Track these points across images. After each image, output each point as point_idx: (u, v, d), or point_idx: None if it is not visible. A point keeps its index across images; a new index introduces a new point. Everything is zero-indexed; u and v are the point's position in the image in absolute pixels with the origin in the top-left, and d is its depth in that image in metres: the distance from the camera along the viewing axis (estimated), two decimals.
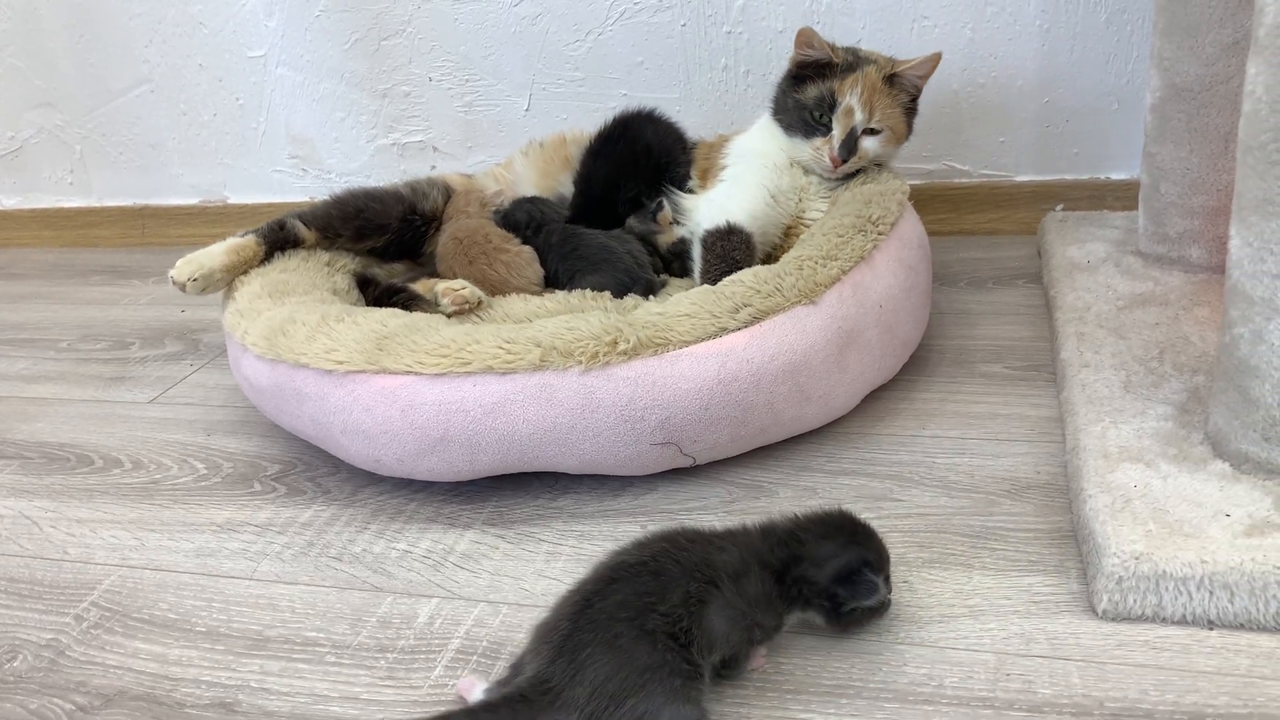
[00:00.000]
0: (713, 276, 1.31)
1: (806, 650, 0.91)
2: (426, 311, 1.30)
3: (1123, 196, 1.73)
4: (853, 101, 1.36)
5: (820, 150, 1.39)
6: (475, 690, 0.86)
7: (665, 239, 1.48)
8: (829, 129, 1.38)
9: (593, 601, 0.79)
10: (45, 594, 1.11)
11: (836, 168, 1.39)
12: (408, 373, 1.11)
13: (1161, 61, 1.35)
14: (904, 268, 1.28)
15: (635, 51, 1.86)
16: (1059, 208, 1.76)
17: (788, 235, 1.45)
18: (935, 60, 1.41)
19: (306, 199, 2.14)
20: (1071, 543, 1.01)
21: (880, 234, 1.26)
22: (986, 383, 1.32)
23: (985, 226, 1.79)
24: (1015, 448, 1.18)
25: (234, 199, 2.20)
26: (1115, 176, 1.75)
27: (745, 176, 1.46)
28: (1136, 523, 0.92)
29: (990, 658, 0.89)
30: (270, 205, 2.16)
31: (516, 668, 0.83)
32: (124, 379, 1.61)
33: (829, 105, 1.37)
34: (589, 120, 1.89)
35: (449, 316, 1.30)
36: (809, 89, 1.39)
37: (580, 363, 1.08)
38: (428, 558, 1.10)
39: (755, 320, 1.12)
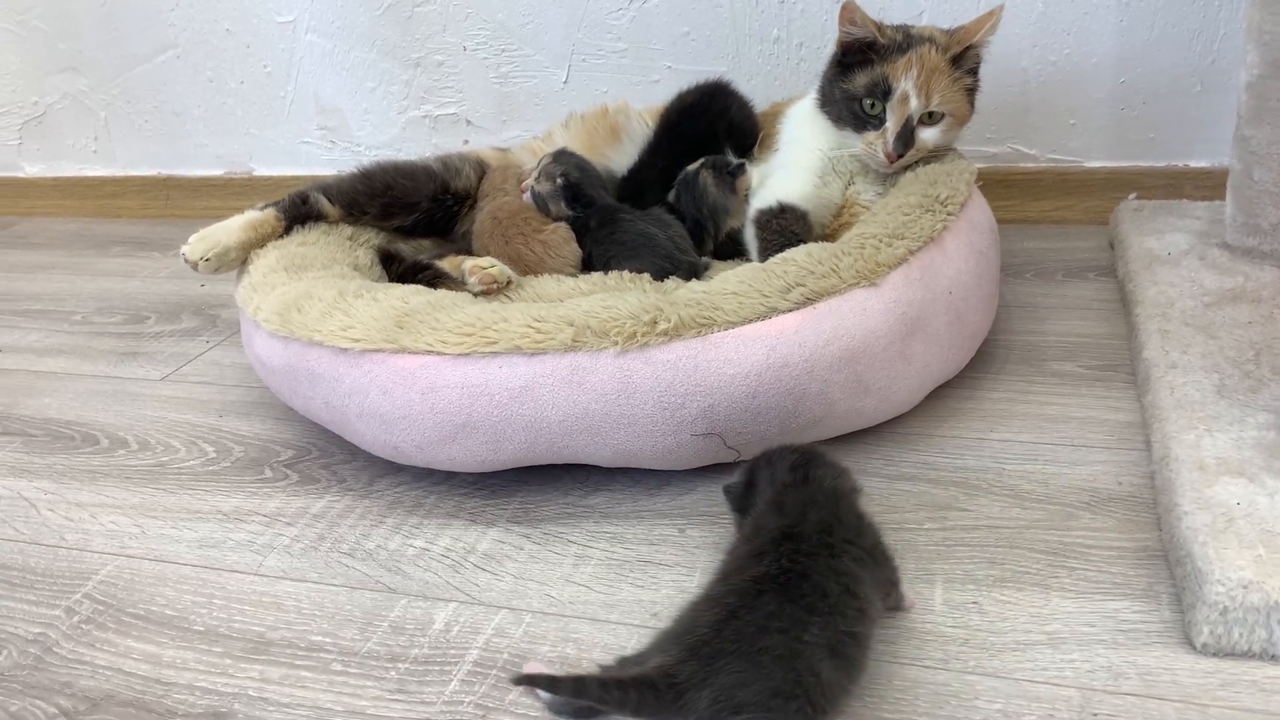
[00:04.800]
0: (773, 253, 1.21)
1: (867, 682, 0.81)
2: (453, 290, 1.21)
3: (1202, 185, 1.61)
4: (908, 87, 1.23)
5: (874, 145, 1.27)
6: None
7: (732, 220, 1.37)
8: (882, 120, 1.26)
9: (738, 614, 0.72)
10: (37, 583, 1.03)
11: (892, 164, 1.27)
12: (429, 352, 1.02)
13: (1261, 36, 1.23)
14: (974, 252, 1.17)
15: (681, 21, 1.75)
16: (1132, 196, 1.64)
17: (838, 218, 1.34)
18: (996, 17, 1.26)
19: (334, 171, 2.03)
20: (1161, 564, 0.91)
21: (950, 214, 1.16)
22: (1059, 382, 1.21)
23: (1052, 215, 1.68)
24: (1094, 455, 1.07)
25: (259, 171, 2.12)
26: (1195, 164, 1.62)
27: (793, 158, 1.35)
28: (1243, 545, 0.82)
29: (1074, 694, 0.78)
30: (296, 178, 2.07)
31: (631, 662, 0.75)
32: (137, 354, 1.53)
33: (882, 93, 1.24)
34: (630, 94, 1.80)
35: (476, 296, 1.21)
36: (857, 76, 1.26)
37: (616, 344, 0.98)
38: (446, 557, 1.01)
39: (808, 301, 1.02)
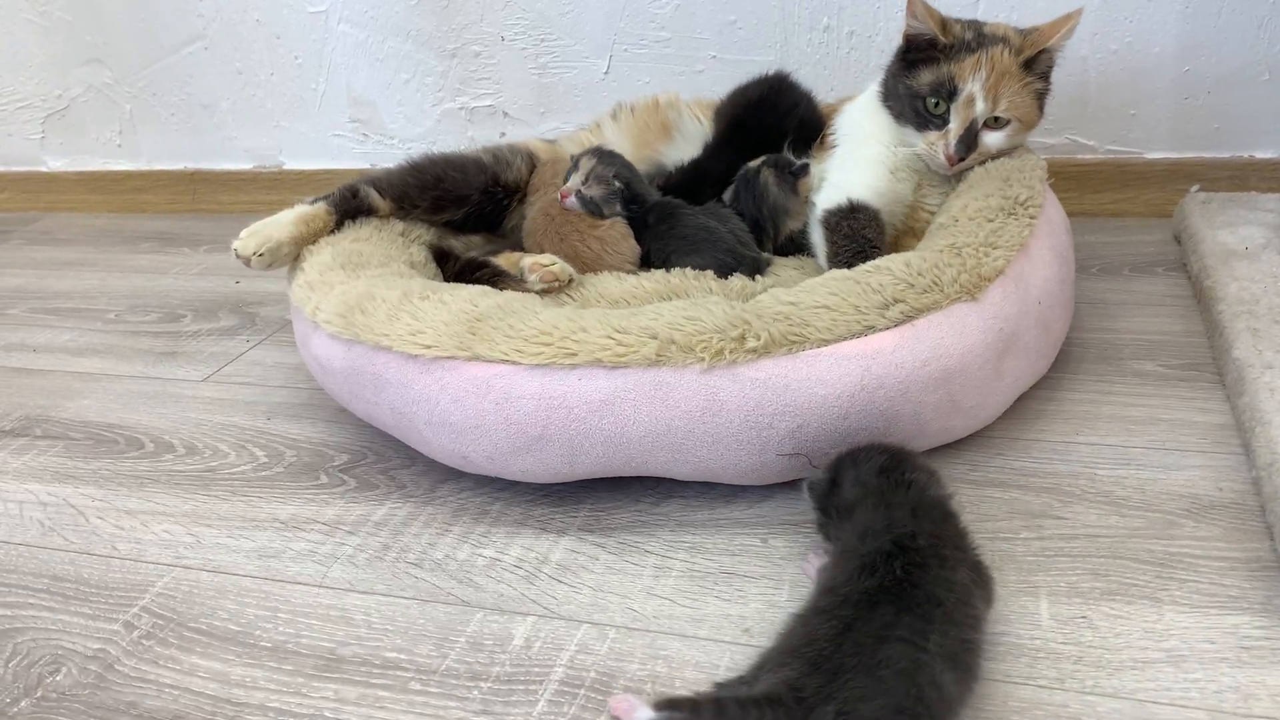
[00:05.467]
0: (844, 259, 1.17)
1: (981, 704, 0.77)
2: (512, 288, 1.17)
3: (1269, 177, 1.57)
4: (974, 89, 1.19)
5: (935, 146, 1.22)
6: (639, 711, 0.72)
7: (793, 221, 1.32)
8: (946, 120, 1.21)
9: (854, 625, 0.70)
10: (92, 596, 0.99)
11: (952, 166, 1.23)
12: (504, 361, 0.97)
13: None
14: (1057, 257, 1.13)
15: (727, 9, 1.71)
16: (1195, 188, 1.60)
17: (905, 222, 1.30)
18: (1074, 20, 1.21)
19: (367, 165, 2.01)
20: (1278, 575, 0.87)
21: (1031, 218, 1.11)
22: (1141, 383, 1.17)
23: (1111, 208, 1.63)
24: (1188, 459, 1.03)
25: (290, 164, 2.07)
26: (1261, 155, 1.58)
27: (859, 152, 1.31)
28: None
29: (1203, 716, 0.74)
30: (328, 171, 2.03)
31: (739, 683, 0.72)
32: (175, 354, 1.49)
33: (948, 94, 1.20)
34: (673, 84, 1.76)
35: (537, 295, 1.17)
36: (922, 74, 1.22)
37: (703, 359, 0.94)
38: (519, 568, 0.97)
39: (907, 319, 0.97)
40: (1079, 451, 1.06)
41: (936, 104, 1.20)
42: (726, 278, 1.21)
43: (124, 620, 0.95)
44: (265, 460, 1.19)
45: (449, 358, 0.99)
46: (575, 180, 1.30)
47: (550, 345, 0.96)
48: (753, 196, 1.30)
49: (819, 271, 1.26)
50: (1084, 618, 0.84)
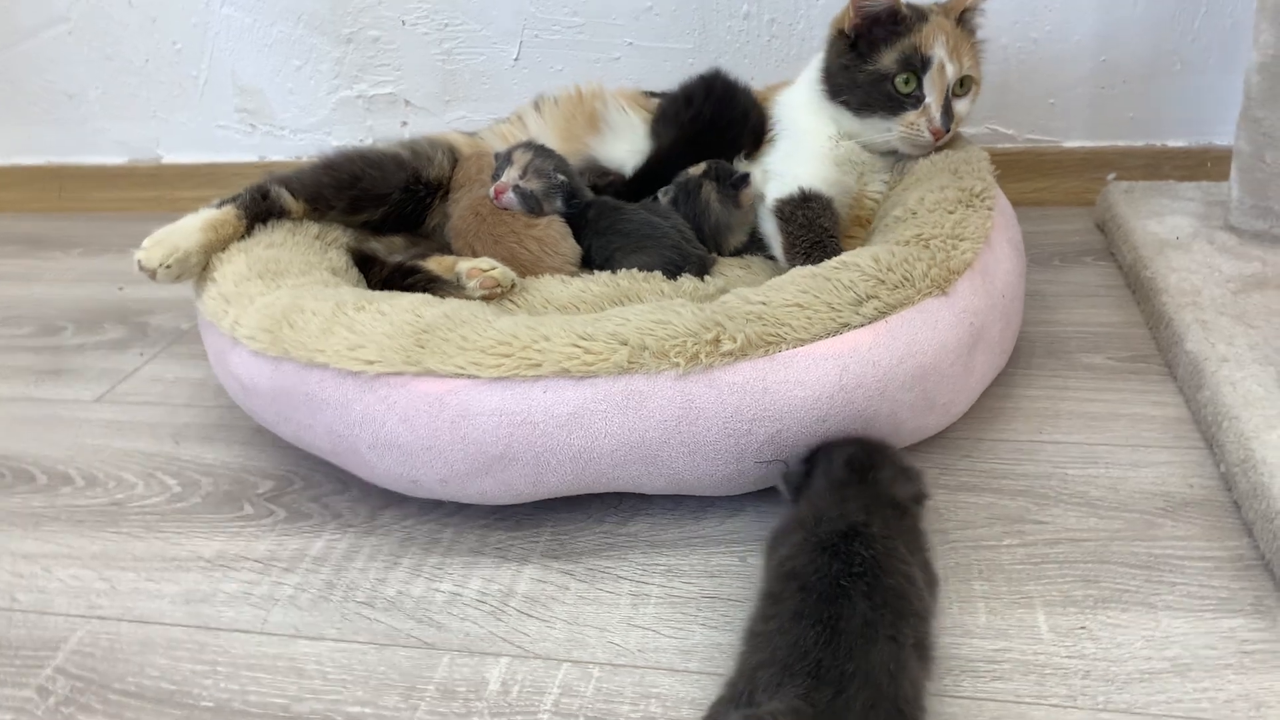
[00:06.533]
0: (801, 250, 1.12)
1: None
2: (450, 296, 1.08)
3: (1181, 165, 1.60)
4: (942, 55, 1.17)
5: (916, 125, 1.19)
6: None
7: (735, 237, 1.26)
8: (919, 98, 1.18)
9: (838, 626, 0.69)
10: None
11: (939, 141, 1.20)
12: (459, 375, 0.90)
13: (1278, 16, 1.20)
14: (1014, 249, 1.11)
15: None
16: (1111, 176, 1.62)
17: (853, 212, 1.26)
18: None
19: (255, 158, 1.88)
20: (1262, 574, 0.86)
21: (989, 209, 1.09)
22: (1093, 377, 1.16)
23: (1031, 196, 1.64)
24: (1153, 455, 1.02)
25: (169, 158, 1.92)
26: (1174, 144, 1.61)
27: (804, 144, 1.27)
28: None
29: None
30: (212, 165, 1.89)
31: (737, 700, 0.69)
32: (60, 372, 1.35)
33: (920, 66, 1.17)
34: (588, 72, 1.70)
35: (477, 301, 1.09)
36: (883, 55, 1.18)
37: (677, 365, 0.88)
38: (483, 602, 0.90)
39: (881, 315, 0.93)
40: (1045, 451, 1.04)
41: (907, 80, 1.17)
42: (674, 277, 1.15)
43: (36, 685, 0.84)
44: (179, 490, 1.08)
45: (395, 374, 0.91)
46: (511, 174, 1.22)
47: (511, 356, 0.89)
48: (694, 213, 1.24)
49: (768, 270, 1.21)
50: (1083, 628, 0.82)
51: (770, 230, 1.21)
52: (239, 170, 1.88)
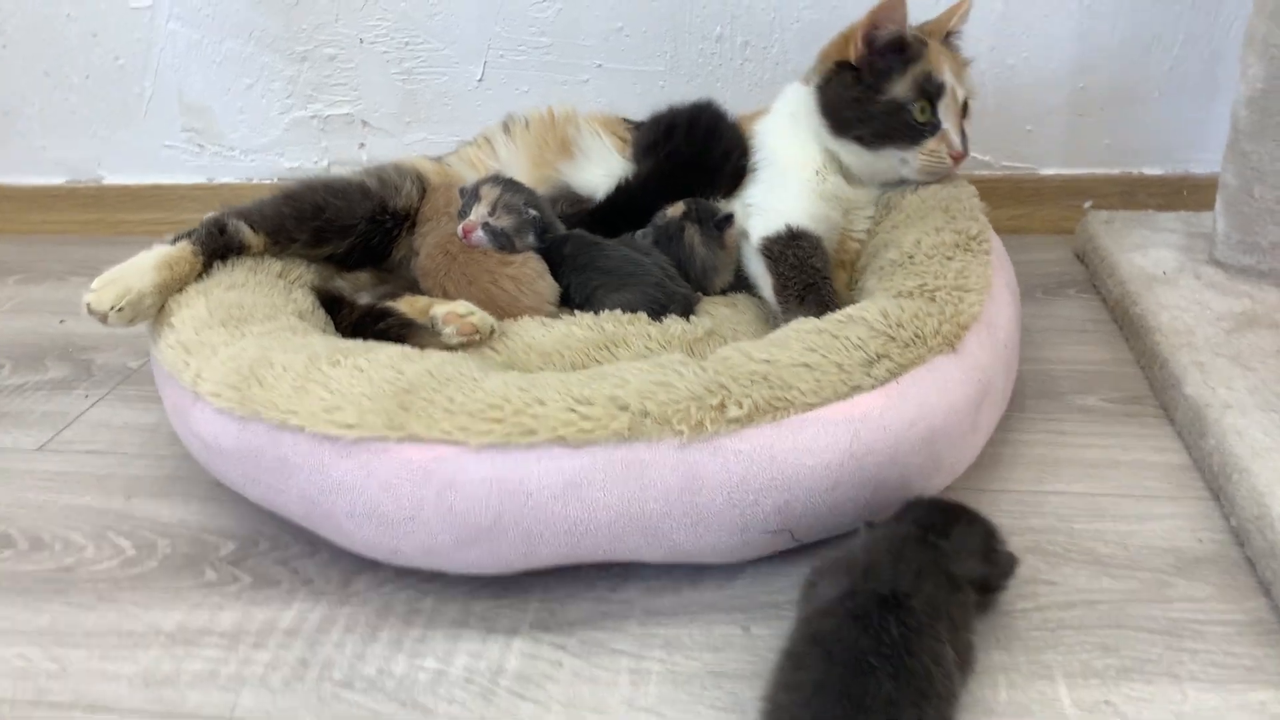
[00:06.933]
0: (795, 293, 1.08)
1: None
2: (425, 342, 1.02)
3: (1157, 193, 1.59)
4: (952, 80, 1.15)
5: (937, 152, 1.16)
6: None
7: (721, 279, 1.21)
8: (936, 125, 1.15)
9: (865, 704, 0.67)
10: None
11: (959, 164, 1.18)
12: (446, 441, 0.84)
13: (1269, 49, 1.18)
14: (1011, 293, 1.08)
15: (613, 15, 1.59)
16: (1088, 204, 1.60)
17: (837, 255, 1.22)
18: (965, 6, 1.23)
19: (203, 180, 1.80)
20: None
21: (987, 254, 1.06)
22: (1087, 420, 1.14)
23: (1008, 224, 1.61)
24: (1158, 507, 1.00)
25: (111, 179, 1.82)
26: (1150, 171, 1.59)
27: (790, 177, 1.22)
28: None
29: None
30: (157, 187, 1.80)
31: None
32: None
33: (935, 92, 1.14)
34: (556, 94, 1.64)
35: (454, 349, 1.03)
36: (895, 84, 1.15)
37: (681, 433, 0.83)
38: (471, 681, 0.84)
39: (892, 376, 0.89)
40: (1049, 503, 1.01)
41: (923, 109, 1.14)
42: (658, 317, 1.10)
43: None
44: (134, 553, 1.01)
45: (377, 439, 0.85)
46: (480, 211, 1.16)
47: (502, 421, 0.83)
48: (678, 257, 1.19)
49: (755, 308, 1.17)
50: (1108, 703, 0.79)
51: (758, 270, 1.17)
52: (186, 192, 1.79)
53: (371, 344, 0.98)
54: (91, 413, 1.26)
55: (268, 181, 1.78)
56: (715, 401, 0.84)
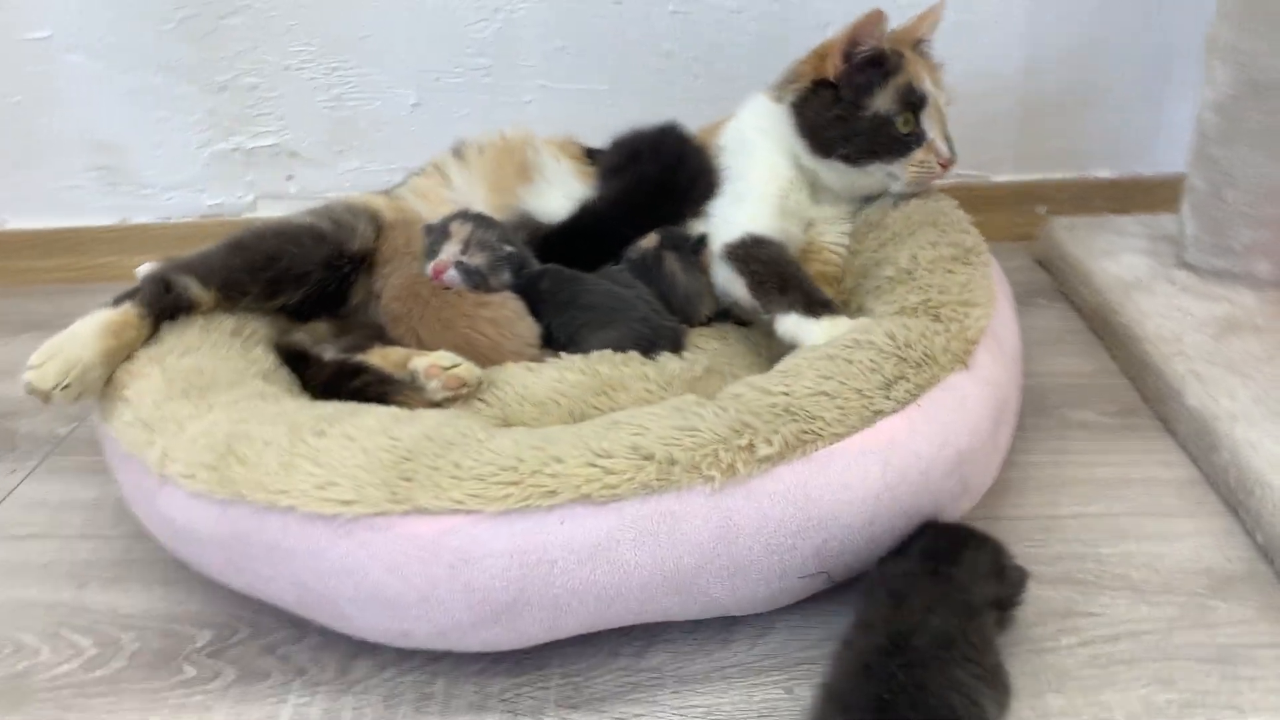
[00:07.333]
0: (773, 286, 1.05)
1: None
2: (408, 400, 0.95)
3: (1109, 196, 1.59)
4: (933, 90, 1.13)
5: (926, 163, 1.13)
6: None
7: (706, 306, 1.16)
8: (921, 136, 1.12)
9: None
10: None
11: (948, 171, 1.15)
12: (457, 511, 0.76)
13: (1236, 55, 1.18)
14: (1010, 306, 1.06)
15: (555, 33, 1.53)
16: (1042, 210, 1.59)
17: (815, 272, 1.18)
18: (937, 15, 1.20)
19: (116, 220, 1.67)
20: None
21: (986, 265, 1.03)
22: (1089, 437, 1.12)
23: None
24: (1179, 525, 0.98)
25: (12, 223, 1.68)
26: (1100, 174, 1.60)
27: (753, 192, 1.18)
28: None
29: None
30: (64, 231, 1.67)
31: None
32: None
33: (919, 103, 1.11)
34: (497, 117, 1.57)
35: (439, 404, 0.95)
36: (877, 97, 1.11)
37: (712, 478, 0.77)
38: None
39: (912, 398, 0.85)
40: (1069, 527, 0.98)
41: (906, 120, 1.11)
42: (649, 354, 1.04)
43: None
44: (96, 653, 0.90)
45: (378, 514, 0.77)
46: (451, 250, 1.09)
47: (519, 484, 0.76)
48: (660, 288, 1.13)
49: (744, 340, 1.13)
50: None
51: (725, 277, 1.12)
52: (97, 235, 1.66)
53: (354, 406, 0.89)
54: (22, 490, 1.14)
55: (188, 220, 1.66)
56: (743, 442, 0.78)
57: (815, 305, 1.01)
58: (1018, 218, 1.60)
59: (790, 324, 1.02)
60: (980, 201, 1.56)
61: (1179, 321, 1.19)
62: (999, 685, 0.74)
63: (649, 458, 0.77)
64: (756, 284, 1.08)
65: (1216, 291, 1.25)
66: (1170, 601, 0.88)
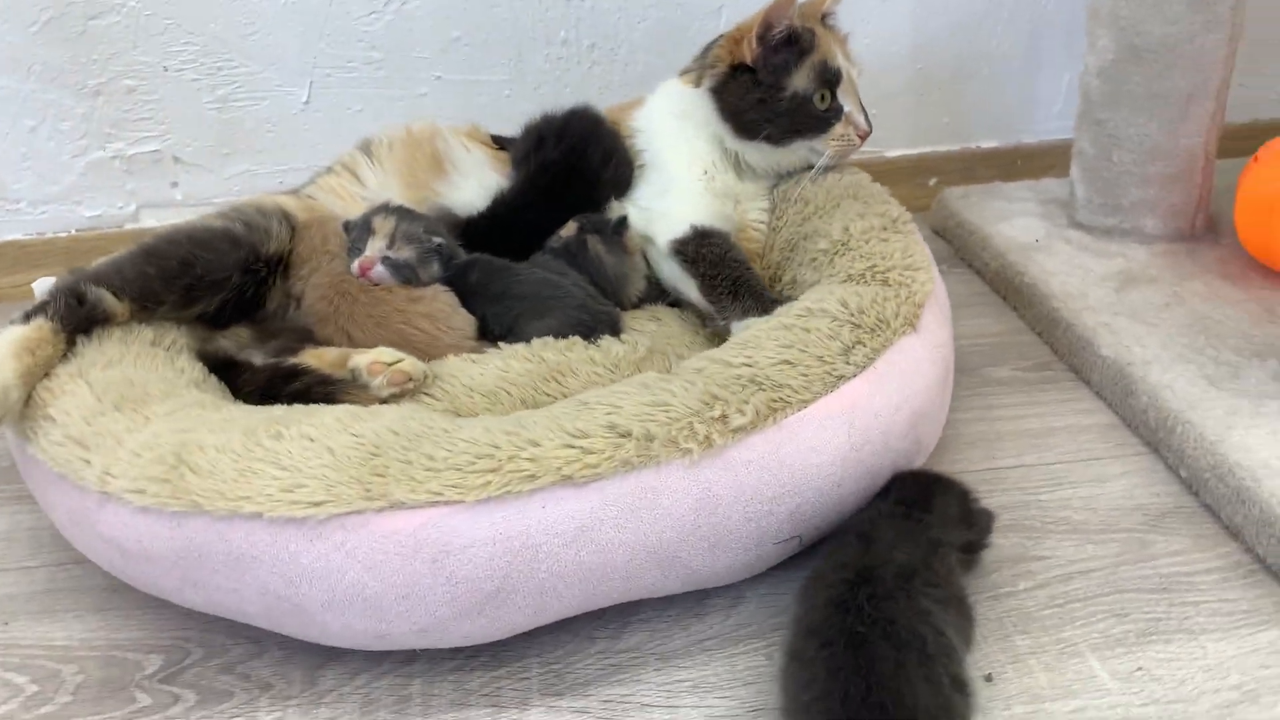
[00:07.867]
0: (725, 288, 1.07)
1: None
2: (355, 398, 0.92)
3: (993, 165, 1.66)
4: (846, 64, 1.16)
5: (845, 137, 1.15)
6: None
7: (634, 287, 1.15)
8: (839, 110, 1.14)
9: (877, 670, 0.68)
10: None
11: (864, 140, 1.17)
12: (436, 503, 0.74)
13: (1116, 21, 1.25)
14: (936, 270, 1.09)
15: (450, 24, 1.50)
16: (932, 181, 1.65)
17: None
18: None
19: None
20: (1268, 578, 0.88)
21: (914, 233, 1.06)
22: (1010, 391, 1.16)
23: None
24: (1108, 468, 1.03)
25: None
26: (985, 145, 1.67)
27: (684, 179, 1.19)
28: None
29: None
30: None
31: None
32: None
33: (832, 80, 1.13)
34: (393, 111, 1.55)
35: (385, 401, 0.93)
36: (795, 77, 1.12)
37: (689, 451, 0.77)
38: None
39: (869, 361, 0.87)
40: (1009, 477, 1.02)
41: (823, 97, 1.13)
42: (589, 339, 1.03)
43: None
44: (36, 690, 0.85)
45: (353, 513, 0.74)
46: (377, 245, 1.06)
47: (498, 470, 0.75)
48: (589, 273, 1.12)
49: (679, 319, 1.13)
50: (1140, 669, 0.80)
51: (673, 273, 1.13)
52: (80, 271, 1.55)
53: (305, 408, 0.86)
54: None
55: (63, 235, 1.57)
56: (716, 413, 0.79)
57: (768, 305, 1.02)
58: (912, 190, 1.65)
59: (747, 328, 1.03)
60: (877, 176, 1.59)
61: (1081, 278, 1.25)
62: (963, 614, 0.77)
63: (626, 435, 0.77)
64: (709, 288, 1.09)
65: (1110, 248, 1.32)
66: (1112, 539, 0.93)
